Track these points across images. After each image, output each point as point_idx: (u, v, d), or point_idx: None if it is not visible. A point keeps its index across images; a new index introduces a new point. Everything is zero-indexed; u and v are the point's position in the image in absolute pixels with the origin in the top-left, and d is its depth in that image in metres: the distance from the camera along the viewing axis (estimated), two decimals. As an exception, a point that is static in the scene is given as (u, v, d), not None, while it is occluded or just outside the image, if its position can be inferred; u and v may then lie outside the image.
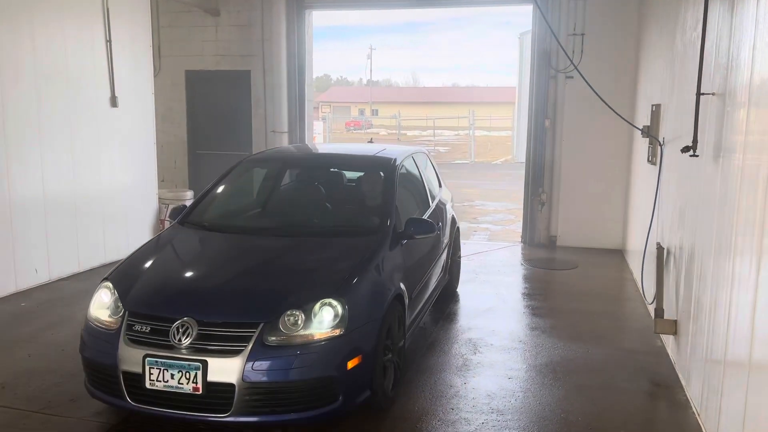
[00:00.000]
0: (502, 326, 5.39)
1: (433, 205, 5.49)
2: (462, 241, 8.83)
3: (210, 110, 9.90)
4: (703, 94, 3.89)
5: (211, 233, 4.45)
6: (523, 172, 8.93)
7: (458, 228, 6.46)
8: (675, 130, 4.96)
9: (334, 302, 3.44)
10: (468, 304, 6.04)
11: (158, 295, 3.67)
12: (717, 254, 3.52)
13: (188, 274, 3.96)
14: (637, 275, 6.54)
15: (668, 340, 4.83)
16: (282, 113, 9.56)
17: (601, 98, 5.86)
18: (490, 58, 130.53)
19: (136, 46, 7.59)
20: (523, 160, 8.95)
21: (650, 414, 3.99)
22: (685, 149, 4.07)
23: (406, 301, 4.16)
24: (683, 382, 4.23)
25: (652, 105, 5.99)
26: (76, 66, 6.69)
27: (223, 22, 9.51)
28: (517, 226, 9.52)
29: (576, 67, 6.63)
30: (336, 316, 3.41)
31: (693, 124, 3.98)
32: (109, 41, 7.05)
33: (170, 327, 3.32)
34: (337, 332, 3.38)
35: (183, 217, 4.62)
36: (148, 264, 3.97)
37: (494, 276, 7.10)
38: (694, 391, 3.95)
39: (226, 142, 9.72)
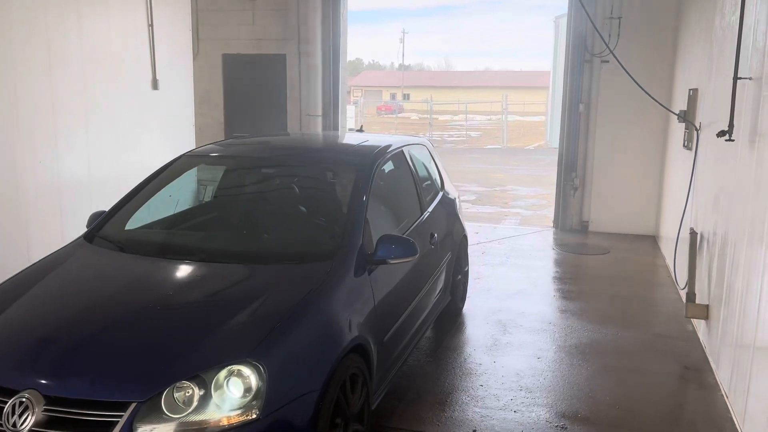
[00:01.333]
0: (532, 308, 5.47)
1: (427, 213, 4.43)
2: (492, 226, 8.94)
3: (246, 93, 10.09)
4: (740, 78, 3.88)
5: (114, 256, 3.37)
6: (556, 157, 8.91)
7: (465, 236, 5.38)
8: (712, 114, 4.93)
9: (246, 370, 2.41)
10: (498, 286, 6.11)
11: None
12: (750, 240, 3.53)
13: (51, 321, 2.75)
14: (669, 261, 6.52)
15: (699, 325, 4.85)
16: (317, 97, 9.70)
17: (636, 83, 5.84)
18: (523, 42, 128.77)
19: (176, 30, 7.78)
20: (557, 145, 8.92)
21: (679, 395, 4.05)
22: (721, 134, 4.06)
23: (373, 350, 3.11)
24: (713, 366, 4.26)
25: (690, 89, 5.94)
26: (120, 49, 6.89)
27: (260, 6, 9.64)
28: (549, 211, 9.52)
29: (611, 51, 6.58)
30: (248, 390, 2.39)
31: (729, 109, 3.97)
32: (151, 25, 7.23)
33: (6, 403, 2.34)
34: (250, 415, 2.36)
35: (91, 230, 3.58)
36: (8, 303, 2.89)
37: (525, 260, 7.15)
38: (723, 374, 3.99)
39: (262, 125, 9.90)
